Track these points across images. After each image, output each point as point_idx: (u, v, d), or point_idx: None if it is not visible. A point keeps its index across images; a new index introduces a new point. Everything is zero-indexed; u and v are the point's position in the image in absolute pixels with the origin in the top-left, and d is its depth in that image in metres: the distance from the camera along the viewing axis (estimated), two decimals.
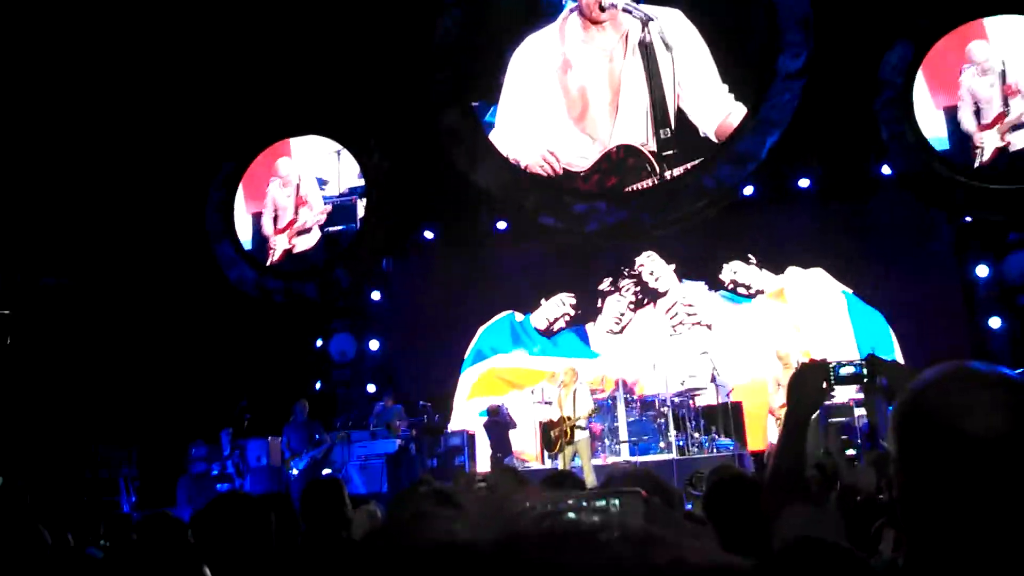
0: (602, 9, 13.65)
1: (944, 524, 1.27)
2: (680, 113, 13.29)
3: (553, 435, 11.15)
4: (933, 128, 12.58)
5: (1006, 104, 12.28)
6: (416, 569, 0.62)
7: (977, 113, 12.41)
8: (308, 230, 14.75)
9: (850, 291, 12.88)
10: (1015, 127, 12.18)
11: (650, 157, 13.37)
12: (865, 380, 2.18)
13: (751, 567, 0.66)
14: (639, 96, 13.53)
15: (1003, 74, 12.36)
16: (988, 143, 12.30)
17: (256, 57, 14.33)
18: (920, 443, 1.30)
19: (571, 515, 0.70)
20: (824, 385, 2.11)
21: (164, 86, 14.23)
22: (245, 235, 14.90)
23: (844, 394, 11.19)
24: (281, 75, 14.52)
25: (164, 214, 14.27)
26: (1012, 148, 12.12)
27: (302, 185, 14.91)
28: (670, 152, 13.34)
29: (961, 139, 12.43)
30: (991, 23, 12.57)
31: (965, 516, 1.24)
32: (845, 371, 2.17)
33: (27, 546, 3.51)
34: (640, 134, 13.52)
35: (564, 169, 13.74)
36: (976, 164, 12.25)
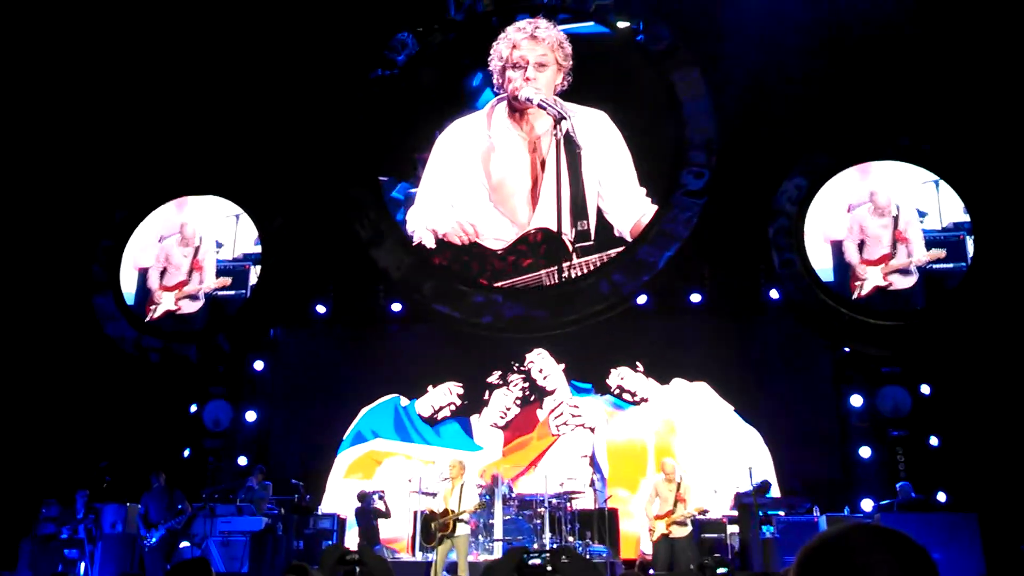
0: (518, 101, 14.01)
1: None
2: (598, 210, 13.63)
3: (433, 527, 10.87)
4: (819, 259, 13.21)
5: (894, 247, 13.00)
6: None
7: (861, 248, 13.12)
8: (196, 296, 14.32)
9: (731, 408, 13.11)
10: (899, 271, 12.89)
11: (567, 245, 13.58)
12: None
13: None
14: (558, 187, 13.77)
15: (896, 219, 13.11)
16: (870, 279, 12.96)
17: (164, 109, 14.08)
18: None
19: None
20: None
21: (64, 127, 13.80)
22: (128, 288, 14.39)
23: (718, 510, 11.31)
24: (188, 130, 14.26)
25: (43, 259, 13.65)
26: (892, 288, 12.82)
27: (201, 248, 14.52)
28: (586, 244, 13.57)
29: (844, 271, 13.08)
30: (881, 168, 13.38)
31: None
32: None
33: None
34: (559, 223, 13.74)
35: (480, 244, 13.81)
36: (854, 296, 12.90)
